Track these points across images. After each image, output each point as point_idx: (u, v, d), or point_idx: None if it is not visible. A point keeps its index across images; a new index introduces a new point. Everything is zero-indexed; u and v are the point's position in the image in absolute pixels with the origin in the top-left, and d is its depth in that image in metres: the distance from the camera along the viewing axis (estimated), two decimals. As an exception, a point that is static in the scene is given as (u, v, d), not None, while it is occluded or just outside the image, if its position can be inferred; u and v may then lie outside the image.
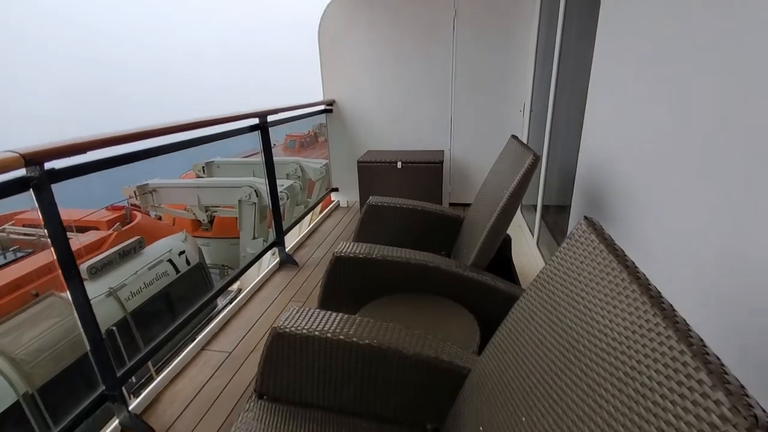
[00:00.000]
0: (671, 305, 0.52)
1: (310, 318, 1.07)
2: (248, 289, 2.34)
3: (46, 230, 1.12)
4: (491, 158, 3.41)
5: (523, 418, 0.65)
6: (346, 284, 1.54)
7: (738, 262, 0.80)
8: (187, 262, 5.74)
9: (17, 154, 0.97)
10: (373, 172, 3.06)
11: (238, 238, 6.37)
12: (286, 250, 2.75)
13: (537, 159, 1.37)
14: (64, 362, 3.58)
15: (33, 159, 1.01)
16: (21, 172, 1.04)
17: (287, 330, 1.03)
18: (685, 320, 0.49)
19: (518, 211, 3.34)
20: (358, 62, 3.41)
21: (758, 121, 0.74)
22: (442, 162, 2.96)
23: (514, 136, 1.78)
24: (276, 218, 2.65)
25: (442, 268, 1.47)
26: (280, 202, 5.05)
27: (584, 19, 2.11)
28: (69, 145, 1.10)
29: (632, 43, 1.33)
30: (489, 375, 0.84)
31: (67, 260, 1.15)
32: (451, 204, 3.65)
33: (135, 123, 1.59)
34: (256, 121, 2.31)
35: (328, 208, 3.84)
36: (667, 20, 1.12)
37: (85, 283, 4.49)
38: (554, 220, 2.62)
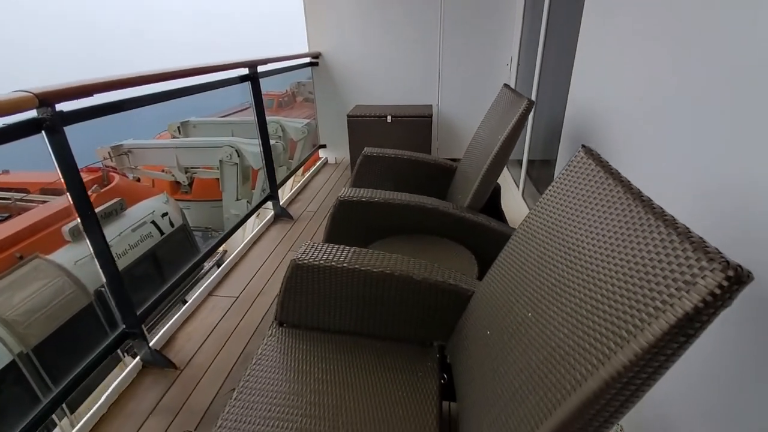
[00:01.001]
0: (661, 207, 0.62)
1: (325, 251, 1.16)
2: (247, 239, 2.40)
3: (59, 173, 1.14)
4: (478, 113, 3.47)
5: (529, 314, 0.76)
6: (349, 227, 1.62)
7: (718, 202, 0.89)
8: (171, 224, 5.70)
9: (31, 94, 0.97)
10: (363, 126, 3.08)
11: (220, 200, 6.32)
12: (280, 201, 2.79)
13: (531, 104, 1.45)
14: (57, 322, 3.61)
15: (46, 99, 1.01)
16: (32, 114, 1.05)
17: (306, 262, 1.11)
18: (672, 216, 0.59)
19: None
20: (345, 13, 3.32)
21: (745, 62, 0.82)
22: (431, 116, 3.00)
23: (506, 85, 1.84)
24: (269, 172, 2.67)
25: (440, 209, 1.56)
26: (261, 162, 5.01)
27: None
28: (79, 86, 1.10)
29: None
30: (494, 289, 0.95)
31: (84, 204, 1.18)
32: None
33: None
34: (245, 71, 2.28)
35: (317, 164, 3.86)
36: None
37: (69, 245, 4.37)
38: (538, 174, 2.74)
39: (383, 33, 3.33)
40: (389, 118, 3.01)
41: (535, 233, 0.88)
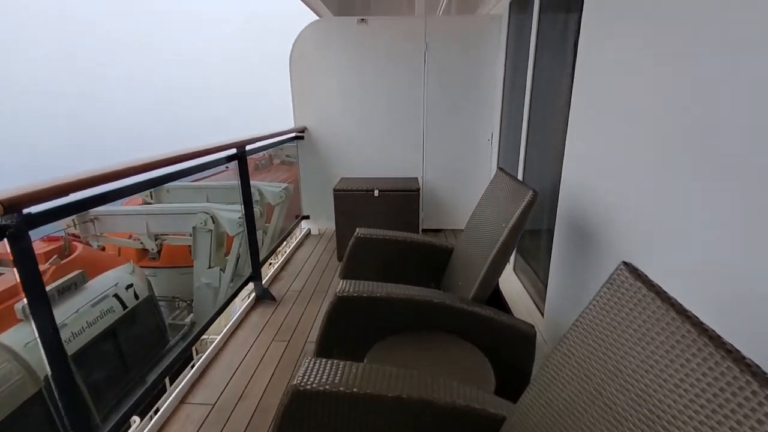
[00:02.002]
0: (731, 344, 0.54)
1: (329, 371, 1.00)
2: (225, 329, 2.17)
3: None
4: (462, 185, 3.54)
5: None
6: (347, 325, 1.47)
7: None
8: (136, 296, 5.29)
9: (-6, 202, 0.84)
10: (350, 201, 3.03)
11: (190, 266, 5.98)
12: (262, 280, 2.61)
13: (535, 195, 1.42)
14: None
15: (13, 205, 0.88)
16: (-7, 220, 0.90)
17: (308, 387, 0.95)
18: (740, 352, 0.51)
19: (490, 236, 3.43)
20: (330, 90, 3.41)
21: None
22: (418, 190, 2.99)
23: (501, 169, 1.84)
24: (252, 250, 2.52)
25: (447, 304, 1.45)
26: (238, 229, 4.82)
27: (556, 52, 2.27)
28: (51, 187, 0.97)
29: (611, 77, 1.43)
30: (534, 418, 0.82)
31: (33, 281, 1.00)
32: (424, 230, 3.68)
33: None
34: (233, 151, 2.21)
35: (300, 236, 3.73)
36: (647, 49, 1.23)
37: (20, 325, 3.92)
38: (528, 245, 2.71)
39: (367, 109, 3.41)
40: (376, 192, 2.98)
41: (582, 362, 0.78)
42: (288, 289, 2.71)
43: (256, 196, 6.26)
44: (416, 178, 3.42)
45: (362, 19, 3.20)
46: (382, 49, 3.26)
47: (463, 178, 3.55)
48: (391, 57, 3.27)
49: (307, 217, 3.77)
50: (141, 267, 6.56)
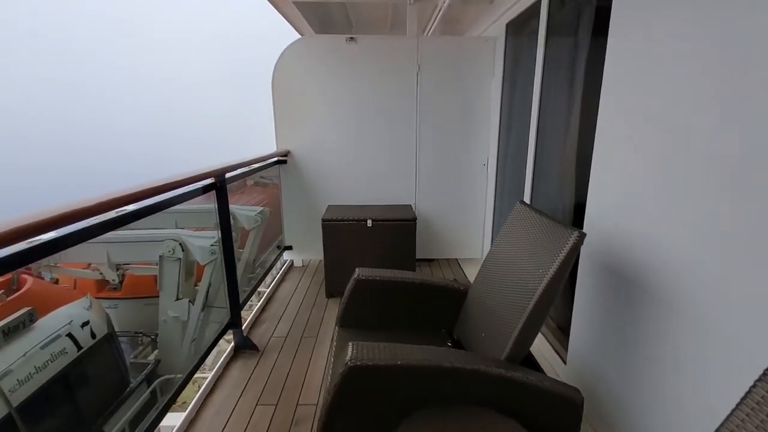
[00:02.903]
0: None
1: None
2: (200, 392, 1.83)
3: None
4: (456, 213, 3.34)
5: None
6: (360, 400, 1.19)
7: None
8: (92, 335, 4.74)
9: None
10: (340, 231, 2.76)
11: (155, 296, 5.47)
12: (242, 327, 2.27)
13: (582, 237, 1.21)
14: None
15: None
16: None
17: None
18: None
19: (489, 267, 3.23)
20: (316, 112, 3.17)
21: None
22: (415, 219, 2.76)
23: (523, 203, 1.63)
24: (231, 292, 2.20)
25: (482, 370, 1.20)
26: (210, 257, 4.42)
27: (569, 75, 2.13)
28: (10, 231, 0.68)
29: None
30: None
31: None
32: (417, 260, 3.44)
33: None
34: (210, 180, 1.92)
35: (282, 269, 3.41)
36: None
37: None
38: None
39: (356, 132, 3.19)
40: (370, 222, 2.73)
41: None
42: (272, 334, 2.38)
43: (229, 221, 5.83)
44: (410, 205, 3.20)
45: (351, 38, 3.01)
46: (373, 69, 3.07)
47: (457, 205, 3.36)
48: (382, 78, 3.09)
49: (289, 248, 3.46)
50: (100, 298, 5.95)
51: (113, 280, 6.59)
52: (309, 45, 3.07)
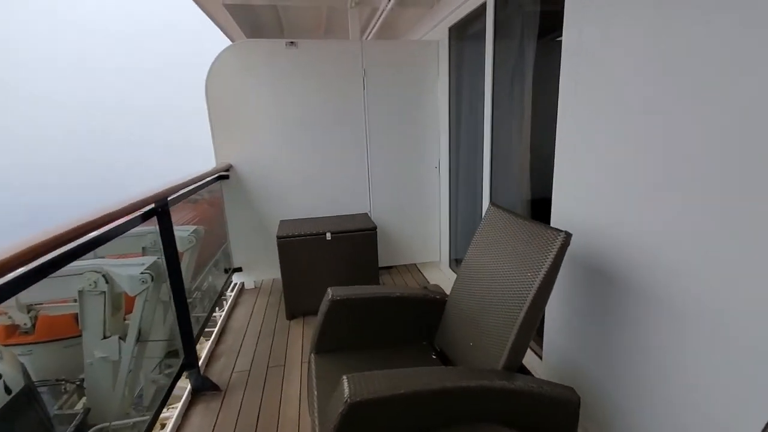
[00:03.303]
0: None
1: None
2: (158, 452, 1.58)
3: None
4: (410, 217, 3.32)
5: None
6: (360, 438, 1.07)
7: None
8: (7, 390, 4.03)
9: None
10: (297, 248, 2.59)
11: (77, 336, 4.79)
12: (198, 366, 2.02)
13: (569, 237, 1.21)
14: None
15: None
16: None
17: None
18: None
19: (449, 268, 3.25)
20: (258, 122, 2.96)
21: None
22: (375, 228, 2.68)
23: (495, 204, 1.62)
24: (184, 328, 1.95)
25: (486, 386, 1.14)
26: (142, 286, 3.98)
27: (521, 76, 2.18)
28: None
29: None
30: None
31: None
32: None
33: None
34: (151, 206, 1.68)
35: (233, 294, 3.13)
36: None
37: None
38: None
39: (304, 141, 3.04)
40: (329, 236, 2.59)
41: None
42: (233, 369, 2.15)
43: (159, 244, 5.31)
44: (366, 213, 3.11)
45: (291, 42, 2.85)
46: (317, 75, 2.94)
47: (412, 210, 3.34)
48: (327, 83, 2.97)
49: (238, 270, 3.20)
50: (10, 345, 5.10)
51: (24, 323, 5.70)
52: (245, 50, 2.86)
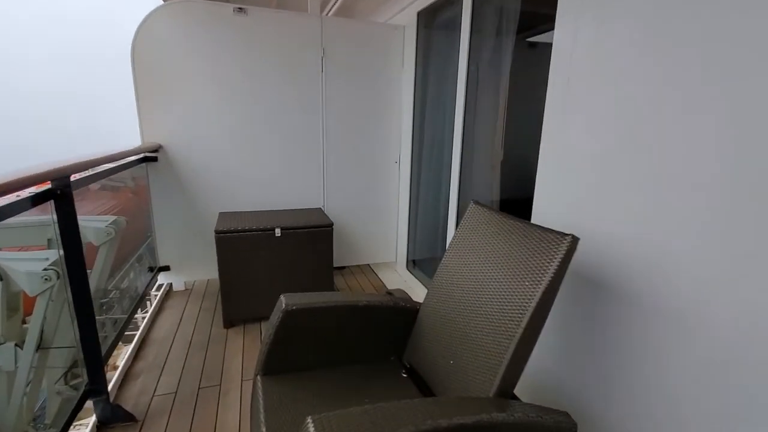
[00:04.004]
0: None
1: None
2: None
3: None
4: (367, 214, 3.08)
5: None
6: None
7: None
8: None
9: None
10: (240, 244, 2.24)
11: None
12: (108, 391, 1.61)
13: (575, 241, 1.05)
14: None
15: None
16: None
17: None
18: None
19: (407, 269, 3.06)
20: (197, 96, 2.55)
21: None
22: (332, 225, 2.40)
23: (477, 203, 1.44)
24: (87, 343, 1.54)
25: (484, 420, 0.94)
26: (45, 285, 3.36)
27: (498, 65, 2.04)
28: None
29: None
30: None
31: None
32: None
33: None
34: (47, 186, 1.27)
35: (158, 296, 2.68)
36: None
37: None
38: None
39: (250, 123, 2.67)
40: (278, 232, 2.27)
41: None
42: (154, 392, 1.76)
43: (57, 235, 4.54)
44: (320, 208, 2.81)
45: (240, 8, 2.48)
46: (270, 50, 2.59)
47: (368, 207, 3.10)
48: (281, 60, 2.63)
49: (165, 268, 2.74)
50: None
51: None
52: (183, 12, 2.43)
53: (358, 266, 3.27)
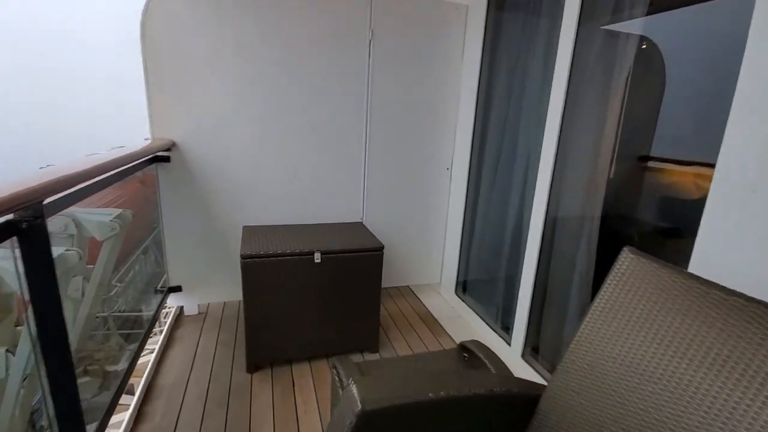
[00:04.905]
0: None
1: None
2: None
3: None
4: (413, 227, 2.63)
5: None
6: None
7: None
8: None
9: None
10: (270, 272, 1.79)
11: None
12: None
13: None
14: None
15: None
16: None
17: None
18: None
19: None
20: (219, 87, 2.10)
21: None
22: (382, 248, 1.95)
23: (633, 250, 0.97)
24: (61, 409, 1.10)
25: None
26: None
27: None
28: None
29: None
30: None
31: None
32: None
33: None
34: (8, 217, 0.82)
35: (168, 321, 2.25)
36: None
37: None
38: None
39: (282, 119, 2.22)
40: (318, 257, 1.82)
41: None
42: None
43: (71, 230, 4.17)
44: (360, 223, 2.36)
45: (275, -22, 2.01)
46: (308, 32, 2.13)
47: (413, 219, 2.65)
48: (320, 44, 2.17)
49: (177, 289, 2.31)
50: None
51: None
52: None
53: (397, 288, 2.83)
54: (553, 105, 1.69)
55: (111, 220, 3.57)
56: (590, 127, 1.70)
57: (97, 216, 3.80)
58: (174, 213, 2.19)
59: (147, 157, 1.94)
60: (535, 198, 1.82)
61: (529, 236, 1.87)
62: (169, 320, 2.25)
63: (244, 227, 2.10)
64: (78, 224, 3.96)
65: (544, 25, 1.87)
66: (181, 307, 2.37)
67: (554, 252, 1.85)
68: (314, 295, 1.88)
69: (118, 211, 3.37)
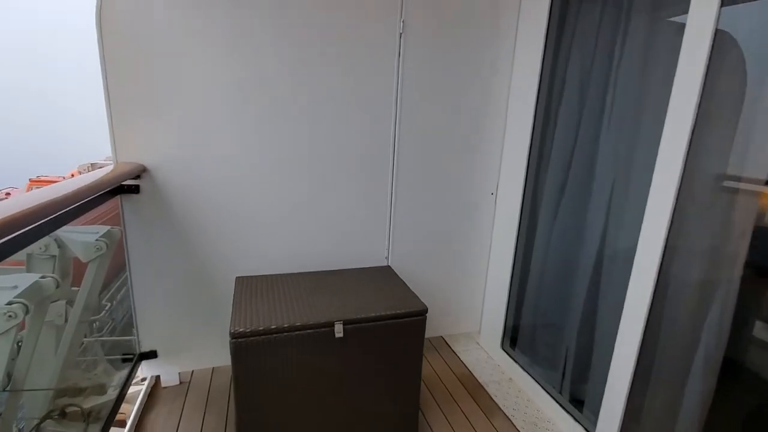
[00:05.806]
0: None
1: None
2: None
3: None
4: (448, 266, 2.12)
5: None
6: None
7: None
8: None
9: None
10: (273, 355, 1.27)
11: None
12: None
13: None
14: None
15: None
16: None
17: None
18: None
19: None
20: (203, 97, 1.60)
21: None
22: (425, 312, 1.43)
23: None
24: None
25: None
26: (9, 322, 2.47)
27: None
28: None
29: None
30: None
31: None
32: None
33: None
34: None
35: (141, 395, 1.72)
36: None
37: None
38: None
39: (286, 135, 1.73)
40: (339, 330, 1.30)
41: None
42: None
43: (52, 250, 3.66)
44: (388, 267, 1.84)
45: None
46: (320, 22, 1.64)
47: (446, 255, 2.15)
48: (337, 40, 1.68)
49: (152, 355, 1.79)
50: None
51: None
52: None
53: (427, 339, 2.31)
54: (676, 116, 1.20)
55: (97, 240, 2.97)
56: (726, 145, 1.21)
57: (81, 235, 3.18)
58: (145, 258, 1.68)
59: (106, 190, 1.44)
60: (639, 245, 1.32)
61: (629, 292, 1.37)
62: (139, 398, 1.72)
63: (237, 279, 1.59)
64: (60, 244, 3.28)
65: (643, 11, 1.38)
66: (157, 377, 1.84)
67: (664, 317, 1.35)
68: (334, 380, 1.36)
69: (106, 228, 2.81)
